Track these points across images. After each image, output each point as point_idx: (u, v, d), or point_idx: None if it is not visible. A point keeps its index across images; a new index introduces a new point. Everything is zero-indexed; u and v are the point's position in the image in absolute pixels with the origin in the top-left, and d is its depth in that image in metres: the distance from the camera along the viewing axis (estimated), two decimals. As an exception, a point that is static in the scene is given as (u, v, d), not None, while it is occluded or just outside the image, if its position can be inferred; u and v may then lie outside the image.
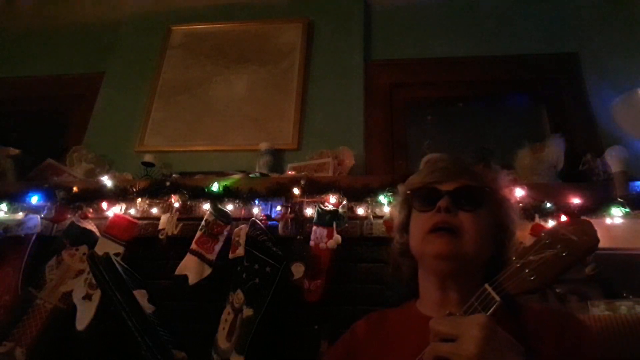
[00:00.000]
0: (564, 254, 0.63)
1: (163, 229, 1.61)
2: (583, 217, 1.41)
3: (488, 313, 0.63)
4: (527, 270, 0.64)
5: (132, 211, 1.70)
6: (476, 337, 0.57)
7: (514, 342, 0.61)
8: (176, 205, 1.65)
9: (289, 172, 1.87)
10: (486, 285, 0.66)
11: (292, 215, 1.58)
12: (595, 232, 0.64)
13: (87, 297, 1.51)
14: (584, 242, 0.63)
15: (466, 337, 0.58)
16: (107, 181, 1.74)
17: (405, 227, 0.92)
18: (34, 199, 1.75)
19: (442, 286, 0.83)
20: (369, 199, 1.56)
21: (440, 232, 0.81)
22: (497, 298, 0.64)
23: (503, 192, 0.91)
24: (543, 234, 0.68)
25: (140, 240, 1.67)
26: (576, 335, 0.74)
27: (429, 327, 0.64)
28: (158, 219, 1.65)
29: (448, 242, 0.79)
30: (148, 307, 1.39)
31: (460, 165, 0.90)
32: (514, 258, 0.68)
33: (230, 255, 1.54)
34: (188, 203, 1.66)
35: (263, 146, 1.96)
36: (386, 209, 1.54)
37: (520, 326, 0.70)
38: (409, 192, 0.92)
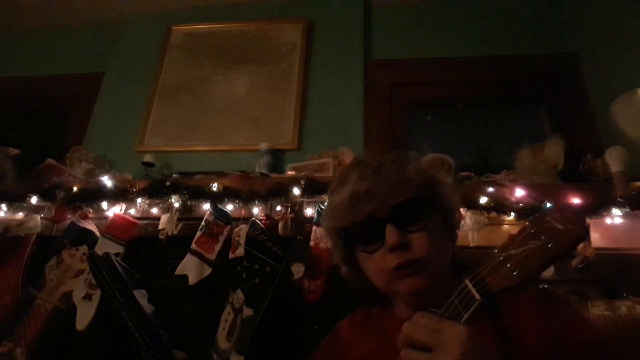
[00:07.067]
0: (549, 246, 0.57)
1: (163, 229, 1.62)
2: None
3: (468, 312, 0.59)
4: (509, 265, 0.59)
5: (132, 211, 1.71)
6: (454, 352, 0.53)
7: (495, 355, 0.58)
8: (176, 205, 1.65)
9: (289, 172, 1.87)
10: (467, 282, 0.62)
11: (292, 215, 1.58)
12: (583, 220, 0.59)
13: (87, 297, 1.51)
14: (571, 231, 0.56)
15: (444, 350, 0.54)
16: (107, 181, 1.74)
17: (350, 263, 0.81)
18: (34, 199, 1.75)
19: (418, 308, 0.74)
20: (369, 199, 1.55)
21: (406, 269, 0.71)
22: (478, 296, 0.60)
23: (434, 180, 0.79)
24: (528, 223, 0.63)
25: (140, 240, 1.67)
26: (563, 319, 0.70)
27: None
28: (158, 219, 1.65)
29: (420, 277, 0.72)
30: (148, 307, 1.38)
31: (380, 180, 0.74)
32: (496, 250, 0.63)
33: (230, 255, 1.54)
34: (188, 203, 1.66)
35: (263, 146, 1.96)
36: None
37: (501, 319, 0.68)
38: (343, 234, 0.79)
